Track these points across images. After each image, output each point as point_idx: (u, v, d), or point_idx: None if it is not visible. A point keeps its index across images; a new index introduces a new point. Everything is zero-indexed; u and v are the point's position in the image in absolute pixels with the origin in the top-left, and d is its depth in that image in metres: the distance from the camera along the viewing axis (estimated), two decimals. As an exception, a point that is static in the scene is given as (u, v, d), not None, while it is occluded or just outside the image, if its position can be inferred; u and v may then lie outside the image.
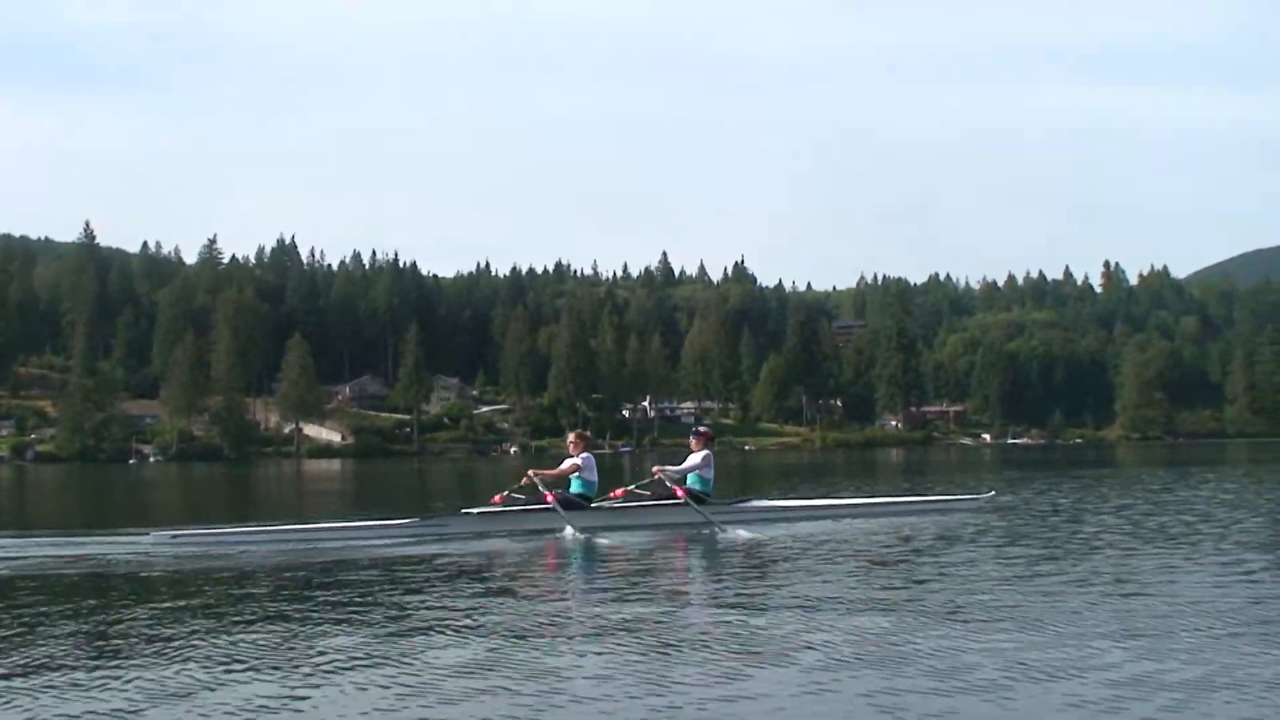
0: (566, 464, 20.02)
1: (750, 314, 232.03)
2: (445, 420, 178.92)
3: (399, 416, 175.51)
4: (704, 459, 20.51)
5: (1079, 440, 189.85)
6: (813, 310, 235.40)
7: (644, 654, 8.84)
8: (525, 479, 19.91)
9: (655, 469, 20.52)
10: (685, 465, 20.58)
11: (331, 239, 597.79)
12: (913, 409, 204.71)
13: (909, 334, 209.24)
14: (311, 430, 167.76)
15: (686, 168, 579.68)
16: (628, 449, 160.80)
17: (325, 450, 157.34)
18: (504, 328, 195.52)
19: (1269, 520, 19.85)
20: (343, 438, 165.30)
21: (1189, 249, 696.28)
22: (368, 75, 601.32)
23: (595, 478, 19.98)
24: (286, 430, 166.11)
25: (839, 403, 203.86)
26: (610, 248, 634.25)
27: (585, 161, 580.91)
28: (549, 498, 19.41)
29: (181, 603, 11.99)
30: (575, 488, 19.82)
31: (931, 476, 47.90)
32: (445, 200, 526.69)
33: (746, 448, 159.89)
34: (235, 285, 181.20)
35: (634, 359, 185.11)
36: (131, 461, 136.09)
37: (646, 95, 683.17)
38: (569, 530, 18.48)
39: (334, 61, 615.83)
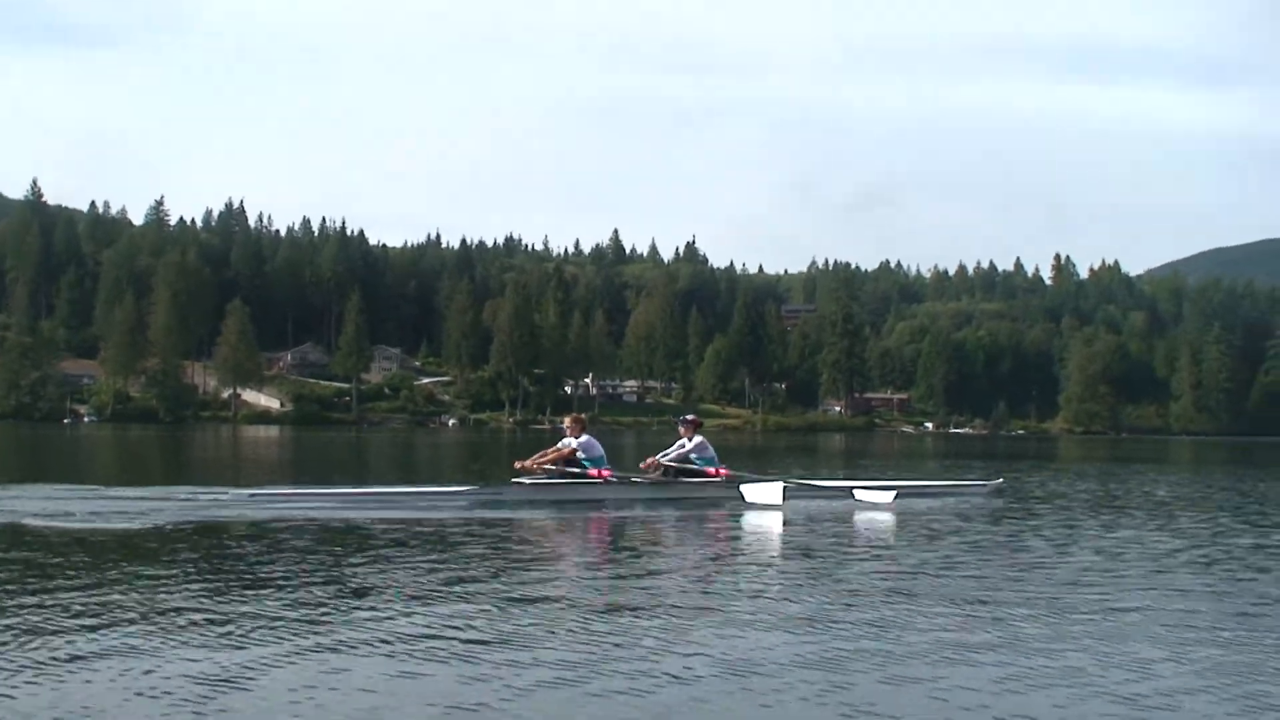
0: (561, 445, 21.05)
1: (699, 295, 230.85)
2: (386, 390, 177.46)
3: (339, 385, 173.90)
4: (698, 445, 21.69)
5: (1021, 432, 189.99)
6: (760, 293, 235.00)
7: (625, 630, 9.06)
8: (519, 464, 21.15)
9: (647, 460, 22.04)
10: (677, 452, 21.78)
11: (285, 206, 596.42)
12: (856, 395, 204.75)
13: (854, 320, 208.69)
14: (250, 396, 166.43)
15: (646, 148, 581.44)
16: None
17: (263, 417, 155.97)
18: (450, 299, 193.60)
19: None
20: (281, 404, 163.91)
21: (1147, 245, 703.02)
22: (331, 46, 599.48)
23: (600, 453, 21.01)
24: (225, 395, 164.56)
25: (783, 386, 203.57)
26: (565, 225, 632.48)
27: (543, 139, 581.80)
28: (598, 473, 20.70)
29: (258, 558, 12.83)
30: (585, 467, 20.78)
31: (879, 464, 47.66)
32: (402, 173, 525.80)
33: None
34: (178, 248, 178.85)
35: (577, 335, 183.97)
36: (66, 421, 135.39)
37: (609, 76, 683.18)
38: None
39: (299, 31, 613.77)
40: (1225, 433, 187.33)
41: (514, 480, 20.74)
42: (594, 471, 20.66)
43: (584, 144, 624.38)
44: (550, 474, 20.64)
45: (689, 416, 23.24)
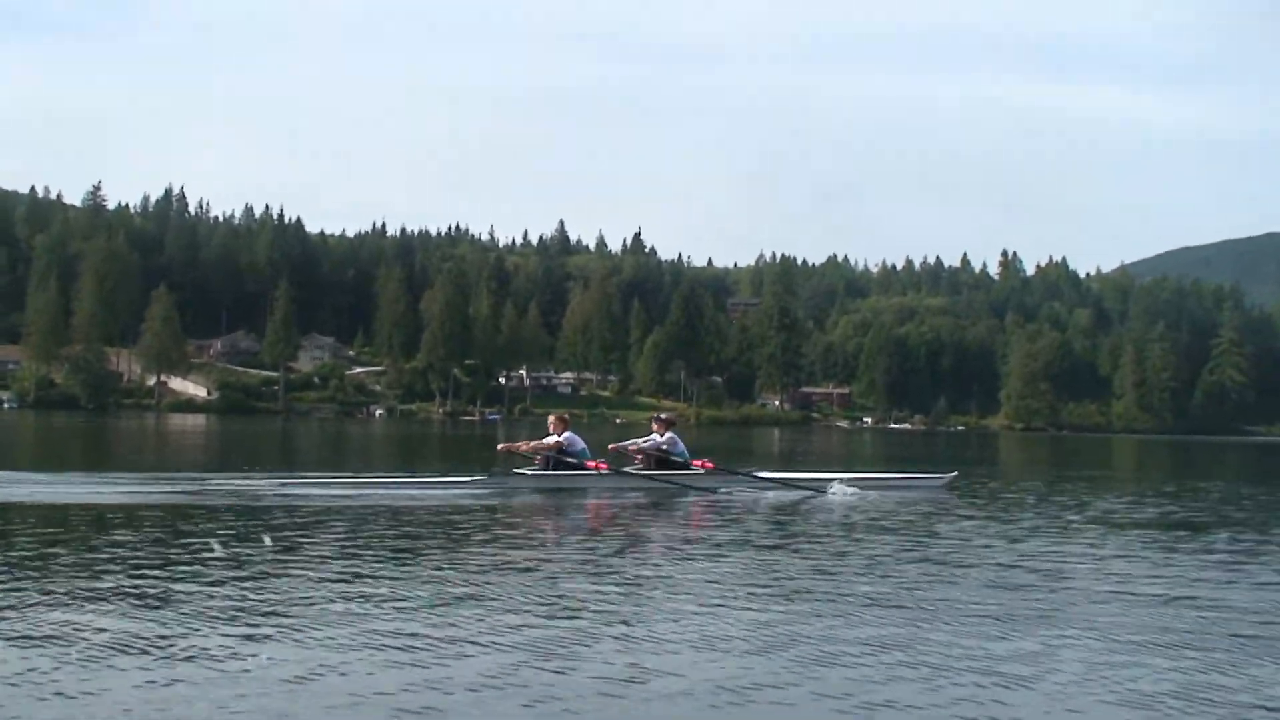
0: (548, 440, 22.17)
1: (643, 287, 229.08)
2: (315, 380, 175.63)
3: (268, 373, 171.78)
4: (669, 440, 22.71)
5: (961, 428, 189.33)
6: (707, 285, 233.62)
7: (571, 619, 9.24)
8: (502, 447, 23.60)
9: (623, 447, 23.16)
10: (650, 442, 22.85)
11: (231, 195, 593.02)
12: (794, 389, 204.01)
13: (791, 314, 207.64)
14: (177, 384, 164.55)
15: (596, 139, 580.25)
16: (495, 416, 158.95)
17: (187, 405, 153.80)
18: (383, 288, 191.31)
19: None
20: (209, 393, 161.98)
21: (1105, 245, 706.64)
22: (280, 34, 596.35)
23: (583, 448, 22.19)
24: (150, 383, 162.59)
25: (721, 379, 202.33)
26: (514, 216, 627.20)
27: (494, 128, 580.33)
28: (600, 466, 22.17)
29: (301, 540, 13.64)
30: (579, 458, 22.14)
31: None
32: (350, 163, 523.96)
33: (618, 420, 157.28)
34: (106, 233, 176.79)
35: (510, 327, 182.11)
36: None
37: (565, 67, 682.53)
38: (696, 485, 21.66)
39: (247, 17, 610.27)
40: (1167, 431, 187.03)
41: (517, 471, 22.20)
42: (591, 464, 22.02)
43: (533, 134, 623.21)
44: (547, 465, 22.11)
45: (663, 415, 24.29)
